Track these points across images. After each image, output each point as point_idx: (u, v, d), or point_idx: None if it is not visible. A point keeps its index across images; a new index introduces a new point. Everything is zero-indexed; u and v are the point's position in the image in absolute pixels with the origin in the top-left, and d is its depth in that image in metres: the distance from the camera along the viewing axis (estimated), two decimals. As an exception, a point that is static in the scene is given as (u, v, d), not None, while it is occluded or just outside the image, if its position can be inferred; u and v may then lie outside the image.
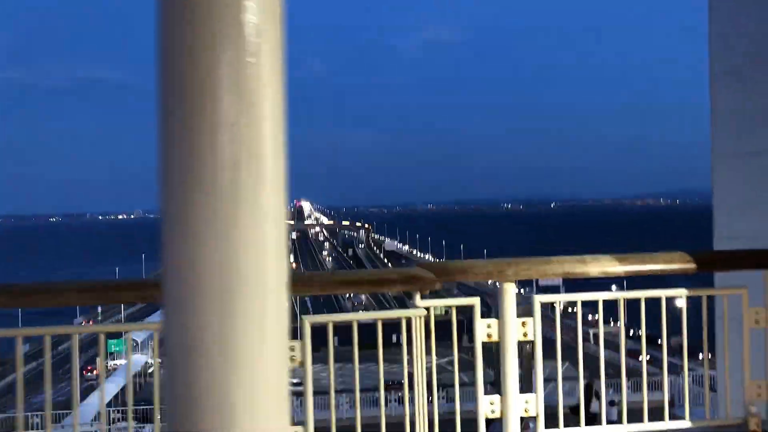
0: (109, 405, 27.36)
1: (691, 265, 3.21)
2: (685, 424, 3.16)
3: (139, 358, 36.88)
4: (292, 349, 2.64)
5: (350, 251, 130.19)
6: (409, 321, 2.81)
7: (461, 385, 3.01)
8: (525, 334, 3.06)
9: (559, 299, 3.16)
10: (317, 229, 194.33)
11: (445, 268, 2.88)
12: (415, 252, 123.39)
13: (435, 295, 2.88)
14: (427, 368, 2.99)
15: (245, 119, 1.14)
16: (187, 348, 1.12)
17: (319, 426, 2.77)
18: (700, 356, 3.31)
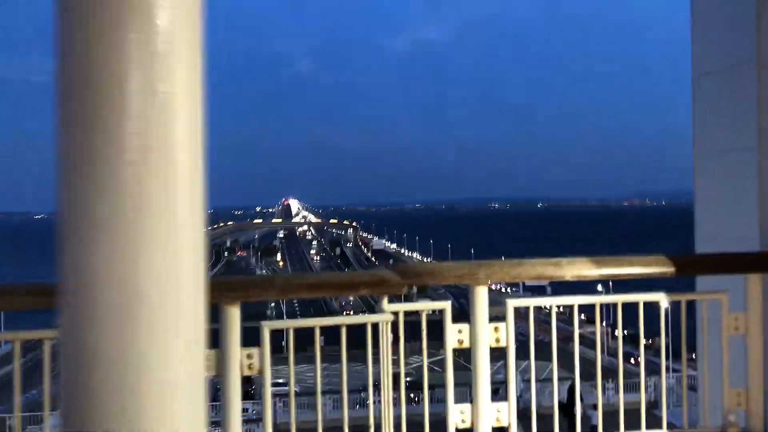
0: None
1: (670, 269, 3.11)
2: (662, 433, 3.06)
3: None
4: (249, 356, 2.51)
5: (338, 250, 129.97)
6: (376, 326, 2.69)
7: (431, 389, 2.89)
8: (497, 340, 2.94)
9: (533, 303, 3.04)
10: (305, 227, 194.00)
11: (413, 270, 2.76)
12: (403, 251, 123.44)
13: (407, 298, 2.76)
14: (406, 372, 2.89)
15: (155, 111, 1.01)
16: (86, 356, 0.99)
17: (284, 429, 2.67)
18: (686, 351, 3.22)
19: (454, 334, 2.90)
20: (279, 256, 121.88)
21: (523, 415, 2.91)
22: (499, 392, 3.15)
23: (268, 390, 2.54)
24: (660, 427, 3.08)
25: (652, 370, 5.16)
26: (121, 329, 0.99)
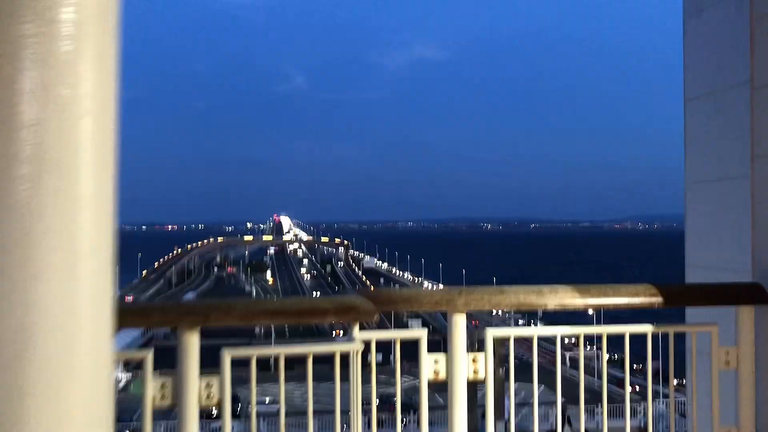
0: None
1: (658, 299, 2.97)
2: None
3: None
4: (209, 385, 2.34)
5: (329, 268, 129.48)
6: (345, 356, 2.52)
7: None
8: (475, 371, 2.79)
9: (514, 333, 2.89)
10: (296, 245, 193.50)
11: (386, 296, 2.60)
12: (394, 270, 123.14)
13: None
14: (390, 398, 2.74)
15: (53, 117, 0.86)
16: None
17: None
18: (675, 381, 3.08)
19: (430, 365, 2.75)
20: (269, 274, 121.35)
21: None
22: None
23: (228, 424, 2.37)
24: None
25: (644, 395, 5.00)
26: (8, 366, 0.84)
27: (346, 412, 2.50)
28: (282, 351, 2.43)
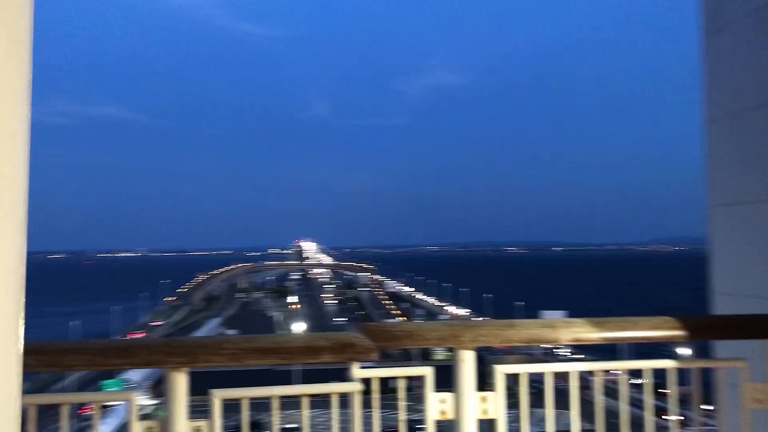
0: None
1: (680, 333, 2.79)
2: None
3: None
4: (197, 429, 2.21)
5: (352, 293, 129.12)
6: (344, 395, 2.38)
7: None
8: (486, 411, 2.62)
9: (525, 370, 2.72)
10: (319, 270, 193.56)
11: (388, 332, 2.45)
12: (418, 295, 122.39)
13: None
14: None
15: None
16: None
17: None
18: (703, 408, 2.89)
19: (436, 405, 2.59)
20: (292, 299, 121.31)
21: None
22: None
23: (217, 470, 2.23)
24: None
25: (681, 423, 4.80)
26: None
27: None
28: (275, 392, 2.29)
